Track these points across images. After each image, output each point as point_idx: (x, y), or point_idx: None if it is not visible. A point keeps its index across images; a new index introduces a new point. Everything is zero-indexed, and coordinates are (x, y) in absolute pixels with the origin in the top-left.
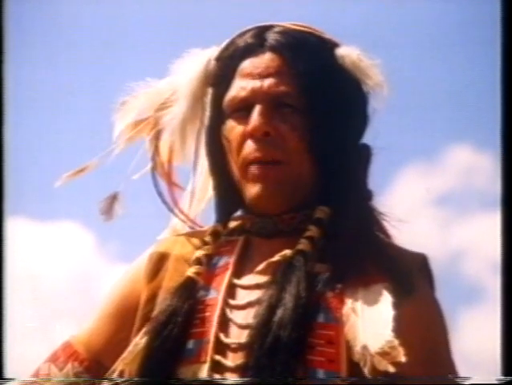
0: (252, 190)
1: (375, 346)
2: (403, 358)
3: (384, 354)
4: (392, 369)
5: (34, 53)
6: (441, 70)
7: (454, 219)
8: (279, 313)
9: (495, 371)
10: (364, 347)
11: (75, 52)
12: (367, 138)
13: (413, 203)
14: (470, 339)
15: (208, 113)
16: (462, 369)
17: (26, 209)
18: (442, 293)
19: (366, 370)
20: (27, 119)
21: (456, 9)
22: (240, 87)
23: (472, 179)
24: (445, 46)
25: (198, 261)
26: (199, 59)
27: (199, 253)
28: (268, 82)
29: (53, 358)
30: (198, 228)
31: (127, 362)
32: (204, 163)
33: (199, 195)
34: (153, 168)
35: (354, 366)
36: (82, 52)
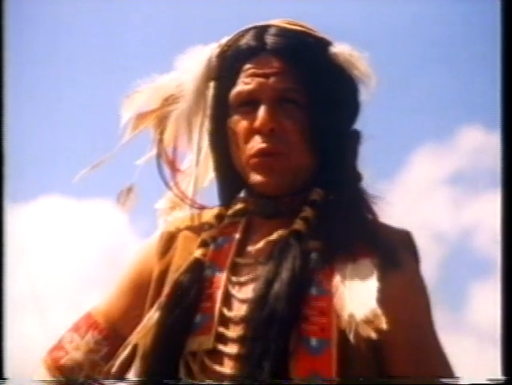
0: (257, 179)
1: (360, 314)
2: (384, 326)
3: (367, 321)
4: (374, 335)
5: (34, 53)
6: (450, 62)
7: (465, 197)
8: (276, 287)
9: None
10: (351, 315)
11: (74, 52)
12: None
13: (426, 182)
14: (478, 313)
15: (211, 105)
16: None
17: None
18: (453, 267)
19: (351, 337)
20: (27, 118)
21: None
22: (245, 84)
23: (481, 159)
24: (452, 36)
25: (204, 243)
26: (201, 56)
27: (205, 235)
28: (272, 80)
29: (75, 328)
30: (199, 208)
31: (140, 335)
32: (205, 150)
33: (200, 178)
34: (158, 156)
35: (343, 334)
36: (82, 52)
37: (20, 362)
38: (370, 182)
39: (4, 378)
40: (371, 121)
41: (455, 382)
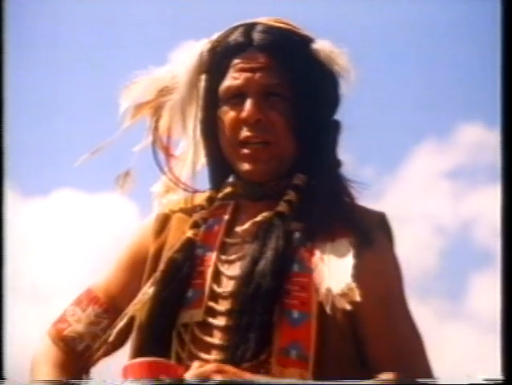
0: (245, 168)
1: (336, 288)
2: (358, 298)
3: (343, 294)
4: (348, 307)
5: (34, 53)
6: (451, 57)
7: (464, 191)
8: (261, 264)
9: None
10: (328, 289)
11: (74, 51)
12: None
13: (427, 176)
14: (477, 302)
15: (202, 96)
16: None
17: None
18: (453, 258)
19: (328, 309)
20: (27, 118)
21: None
22: (234, 78)
23: (481, 154)
24: (452, 34)
25: (196, 224)
26: (194, 51)
27: (196, 217)
28: (258, 75)
29: (77, 302)
30: (192, 191)
31: (137, 308)
32: (197, 138)
33: (192, 163)
34: (153, 142)
35: (321, 307)
36: (81, 51)
37: (20, 362)
38: (350, 168)
39: (4, 379)
40: (375, 117)
41: (433, 382)
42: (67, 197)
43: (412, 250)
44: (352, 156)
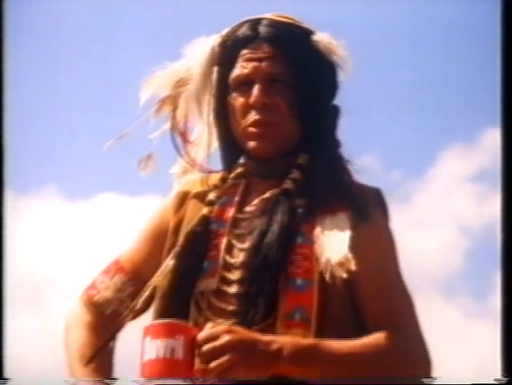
0: (252, 145)
1: (335, 258)
2: (354, 267)
3: (340, 264)
4: (345, 275)
5: (34, 53)
6: (478, 61)
7: (488, 194)
8: (268, 237)
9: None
10: (327, 259)
11: (74, 51)
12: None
13: (453, 179)
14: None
15: (215, 86)
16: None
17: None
18: (477, 260)
19: (327, 277)
20: (27, 117)
21: None
22: (243, 67)
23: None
24: (484, 40)
25: (211, 202)
26: (206, 45)
27: (211, 196)
28: (264, 64)
29: (105, 271)
30: (207, 172)
31: (160, 279)
32: (211, 124)
33: (206, 147)
34: (172, 129)
35: (322, 275)
36: (81, 51)
37: (20, 362)
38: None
39: (4, 379)
40: (404, 123)
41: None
42: (57, 197)
43: (439, 251)
44: (380, 161)
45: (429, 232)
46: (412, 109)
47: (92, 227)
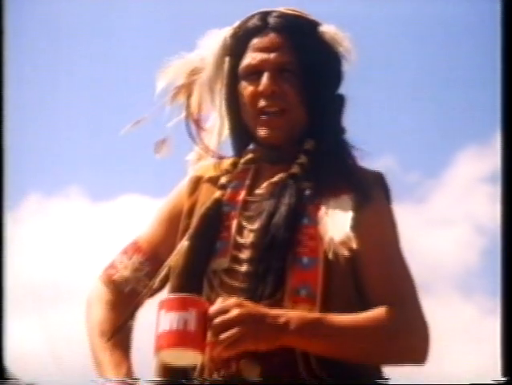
0: (262, 132)
1: (337, 237)
2: (355, 246)
3: (342, 242)
4: (346, 253)
5: (34, 53)
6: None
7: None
8: (276, 218)
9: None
10: (330, 238)
11: (74, 51)
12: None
13: (469, 180)
14: None
15: (226, 75)
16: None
17: None
18: (495, 257)
19: (330, 255)
20: (27, 118)
21: None
22: (252, 57)
23: None
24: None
25: (222, 186)
26: (218, 37)
27: (223, 180)
28: (273, 53)
29: (124, 252)
30: (219, 158)
31: (175, 259)
32: (223, 112)
33: (218, 134)
34: (186, 117)
35: (326, 254)
36: (81, 51)
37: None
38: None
39: (4, 379)
40: (422, 126)
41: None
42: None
43: (456, 249)
44: (399, 163)
45: (446, 231)
46: (430, 113)
47: (114, 228)
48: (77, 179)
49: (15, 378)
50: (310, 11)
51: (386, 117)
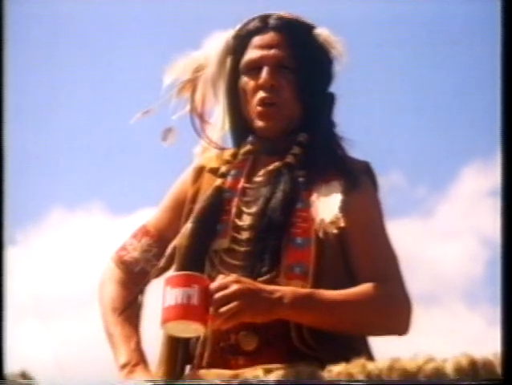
0: (259, 124)
1: (327, 218)
2: (343, 224)
3: (332, 222)
4: (335, 231)
5: (34, 53)
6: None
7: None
8: (272, 203)
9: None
10: (321, 219)
11: (74, 51)
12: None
13: (474, 194)
14: None
15: (228, 73)
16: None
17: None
18: (497, 268)
19: (321, 234)
20: (28, 118)
21: None
22: (253, 53)
23: None
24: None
25: (223, 175)
26: (222, 38)
27: (223, 169)
28: (272, 51)
29: (133, 235)
30: (220, 149)
31: (180, 240)
32: (225, 106)
33: (221, 127)
34: (191, 111)
35: (317, 234)
36: (81, 51)
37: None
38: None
39: (4, 379)
40: (428, 142)
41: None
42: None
43: (461, 261)
44: (406, 178)
45: (452, 243)
46: (435, 130)
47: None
48: (98, 193)
49: (15, 379)
50: (310, 12)
51: (392, 133)
